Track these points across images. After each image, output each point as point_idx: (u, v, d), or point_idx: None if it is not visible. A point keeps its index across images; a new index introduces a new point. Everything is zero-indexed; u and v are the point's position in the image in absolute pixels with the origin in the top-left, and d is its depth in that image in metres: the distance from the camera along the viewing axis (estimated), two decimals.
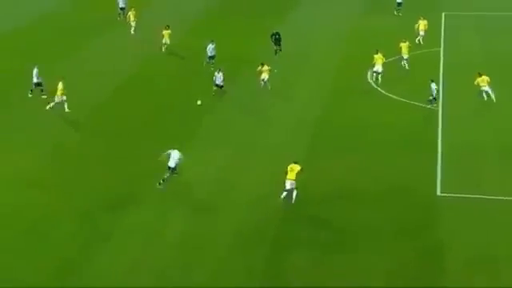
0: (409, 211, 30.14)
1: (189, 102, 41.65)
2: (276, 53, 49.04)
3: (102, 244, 28.00)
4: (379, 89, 43.39)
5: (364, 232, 28.73)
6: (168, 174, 31.94)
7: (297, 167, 31.31)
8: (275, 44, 49.29)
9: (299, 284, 25.84)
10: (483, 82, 40.92)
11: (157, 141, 36.30)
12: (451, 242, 27.88)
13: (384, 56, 44.88)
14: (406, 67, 46.38)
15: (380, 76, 44.39)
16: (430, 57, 49.13)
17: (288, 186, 31.24)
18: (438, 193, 31.63)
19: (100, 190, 32.01)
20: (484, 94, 40.90)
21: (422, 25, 53.09)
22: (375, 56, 44.80)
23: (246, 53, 49.98)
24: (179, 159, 31.95)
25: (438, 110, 40.13)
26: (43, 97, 41.85)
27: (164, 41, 51.04)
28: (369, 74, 44.76)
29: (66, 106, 40.06)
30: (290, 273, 26.42)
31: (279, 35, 49.34)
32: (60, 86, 40.09)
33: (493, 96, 40.77)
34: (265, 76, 43.08)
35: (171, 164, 31.87)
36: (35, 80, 42.09)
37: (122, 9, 60.16)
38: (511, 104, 41.16)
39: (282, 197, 31.20)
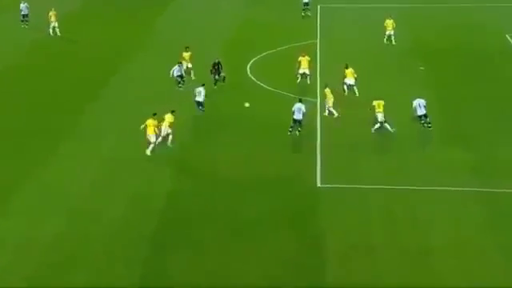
0: (292, 202, 31.12)
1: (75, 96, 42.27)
2: (216, 82, 44.10)
3: None
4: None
5: (250, 222, 29.36)
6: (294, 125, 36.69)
7: (382, 102, 36.01)
8: (217, 74, 44.12)
9: (180, 276, 26.04)
10: (349, 74, 42.09)
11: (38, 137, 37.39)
12: (331, 231, 28.84)
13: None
14: (308, 81, 44.69)
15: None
16: (308, 49, 48.76)
17: (380, 118, 35.70)
18: (319, 184, 32.78)
19: None
20: (345, 87, 42.20)
21: (390, 24, 52.32)
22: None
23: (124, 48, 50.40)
24: (304, 112, 36.56)
25: (316, 103, 41.26)
26: None
27: (186, 65, 45.11)
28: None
29: (169, 140, 36.03)
30: (173, 266, 26.57)
31: (220, 64, 44.39)
32: (169, 118, 36.06)
33: (356, 89, 42.17)
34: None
35: (297, 117, 36.35)
36: None
37: (24, 16, 58.12)
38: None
39: (375, 129, 36.13)
